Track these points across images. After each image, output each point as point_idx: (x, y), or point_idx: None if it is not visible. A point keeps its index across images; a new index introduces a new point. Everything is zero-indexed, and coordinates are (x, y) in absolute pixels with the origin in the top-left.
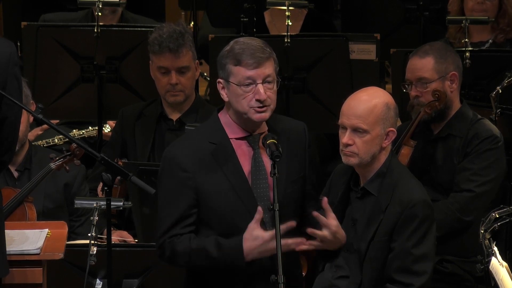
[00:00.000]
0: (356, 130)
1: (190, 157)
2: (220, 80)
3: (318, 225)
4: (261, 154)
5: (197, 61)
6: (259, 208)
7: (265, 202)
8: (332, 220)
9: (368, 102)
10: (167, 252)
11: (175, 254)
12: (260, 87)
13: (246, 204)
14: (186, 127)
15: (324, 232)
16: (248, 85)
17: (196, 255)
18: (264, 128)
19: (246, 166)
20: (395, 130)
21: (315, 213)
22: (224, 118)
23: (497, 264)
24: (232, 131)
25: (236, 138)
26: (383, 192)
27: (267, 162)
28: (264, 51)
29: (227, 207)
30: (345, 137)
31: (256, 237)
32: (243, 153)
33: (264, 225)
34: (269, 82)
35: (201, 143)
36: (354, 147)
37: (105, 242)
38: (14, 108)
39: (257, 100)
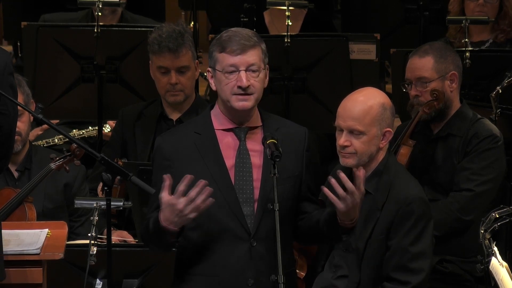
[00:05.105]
0: (352, 131)
1: (173, 146)
2: (209, 68)
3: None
4: (247, 147)
5: (196, 60)
6: (165, 177)
7: (247, 195)
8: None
9: (364, 104)
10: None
11: (140, 236)
12: (243, 74)
13: (225, 195)
14: None
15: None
16: (231, 72)
17: (144, 231)
18: (255, 122)
19: (230, 157)
20: (391, 130)
21: (342, 174)
22: (214, 110)
23: (497, 264)
24: (220, 122)
25: (223, 129)
26: (379, 190)
27: (253, 156)
28: (250, 39)
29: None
30: (341, 139)
31: (166, 205)
32: (228, 145)
33: (245, 219)
34: (253, 71)
35: (186, 133)
36: (351, 148)
37: (105, 242)
38: (9, 117)
39: (239, 87)
